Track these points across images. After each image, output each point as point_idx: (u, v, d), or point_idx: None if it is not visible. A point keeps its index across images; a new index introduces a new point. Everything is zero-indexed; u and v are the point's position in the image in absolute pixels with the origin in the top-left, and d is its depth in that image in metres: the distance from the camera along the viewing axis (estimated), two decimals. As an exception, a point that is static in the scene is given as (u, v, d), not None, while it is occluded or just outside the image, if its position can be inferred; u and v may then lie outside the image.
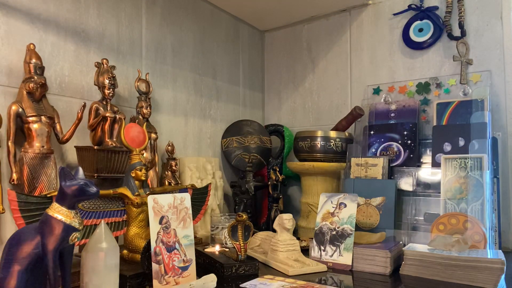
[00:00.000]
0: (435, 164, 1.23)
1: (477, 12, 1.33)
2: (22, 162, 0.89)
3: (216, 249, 1.06)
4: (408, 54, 1.47)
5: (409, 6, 1.44)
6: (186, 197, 0.88)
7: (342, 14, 1.64)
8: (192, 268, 0.85)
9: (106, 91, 1.04)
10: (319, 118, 1.71)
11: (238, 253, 0.94)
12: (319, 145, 1.41)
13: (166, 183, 1.23)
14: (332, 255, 1.04)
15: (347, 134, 1.44)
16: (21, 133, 0.92)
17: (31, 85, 0.90)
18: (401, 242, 1.11)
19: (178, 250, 0.84)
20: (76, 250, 0.81)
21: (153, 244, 0.81)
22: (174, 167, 1.24)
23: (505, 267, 0.84)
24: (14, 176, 0.88)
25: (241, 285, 0.85)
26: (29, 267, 0.65)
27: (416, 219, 1.22)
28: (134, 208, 0.94)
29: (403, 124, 1.35)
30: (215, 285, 0.83)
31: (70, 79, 1.06)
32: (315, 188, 1.41)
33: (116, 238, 0.91)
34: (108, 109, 1.05)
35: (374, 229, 1.16)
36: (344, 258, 1.01)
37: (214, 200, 1.40)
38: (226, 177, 1.60)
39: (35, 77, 0.91)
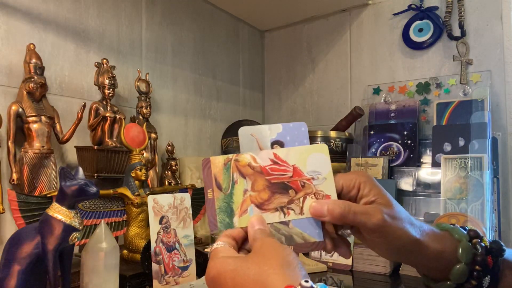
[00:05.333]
0: (435, 164, 1.23)
1: (477, 12, 1.32)
2: (22, 162, 0.89)
3: (216, 249, 1.06)
4: (408, 54, 1.47)
5: (409, 6, 1.44)
6: (186, 197, 0.88)
7: (342, 14, 1.64)
8: (192, 268, 0.85)
9: (106, 91, 1.04)
10: (319, 118, 1.71)
11: (238, 253, 0.94)
12: (319, 145, 1.41)
13: (166, 183, 1.23)
14: (332, 255, 1.04)
15: (347, 134, 1.44)
16: (21, 133, 0.92)
17: (31, 85, 0.90)
18: (401, 242, 1.11)
19: (178, 250, 0.84)
20: (76, 250, 0.81)
21: (153, 244, 0.81)
22: (174, 167, 1.24)
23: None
24: (14, 176, 0.88)
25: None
26: (29, 267, 0.65)
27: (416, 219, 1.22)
28: (134, 208, 0.94)
29: (403, 124, 1.35)
30: (215, 285, 0.83)
31: (70, 79, 1.06)
32: (315, 188, 1.41)
33: (116, 238, 0.91)
34: (108, 109, 1.05)
35: (374, 229, 1.15)
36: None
37: (214, 200, 1.39)
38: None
39: (35, 77, 0.91)
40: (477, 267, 0.44)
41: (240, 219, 0.42)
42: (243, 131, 0.43)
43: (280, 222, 0.42)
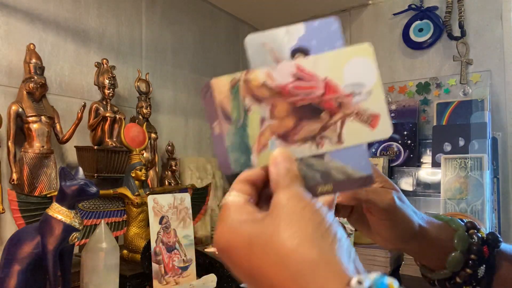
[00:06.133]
0: (435, 164, 1.23)
1: (477, 12, 1.32)
2: (22, 162, 0.89)
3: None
4: (408, 54, 1.47)
5: (409, 6, 1.44)
6: (186, 197, 0.88)
7: (342, 14, 1.64)
8: (192, 268, 0.85)
9: (106, 91, 1.04)
10: (319, 118, 1.70)
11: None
12: (319, 145, 1.41)
13: (166, 183, 1.23)
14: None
15: (347, 134, 1.44)
16: (21, 133, 0.92)
17: (31, 85, 0.90)
18: (401, 242, 1.11)
19: (178, 250, 0.84)
20: (76, 250, 0.81)
21: (153, 244, 0.81)
22: (174, 167, 1.24)
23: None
24: (14, 176, 0.88)
25: (241, 285, 0.85)
26: (29, 267, 0.65)
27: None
28: (134, 208, 0.94)
29: (403, 124, 1.35)
30: (215, 285, 0.83)
31: (70, 79, 1.06)
32: (315, 188, 1.41)
33: (116, 238, 0.91)
34: (108, 109, 1.05)
35: (374, 229, 1.15)
36: (344, 258, 1.01)
37: (214, 200, 1.40)
38: (226, 177, 1.59)
39: (35, 77, 0.91)
40: (472, 256, 0.45)
41: (260, 156, 0.32)
42: (251, 40, 0.33)
43: (313, 156, 0.31)
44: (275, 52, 0.32)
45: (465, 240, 0.46)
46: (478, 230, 0.48)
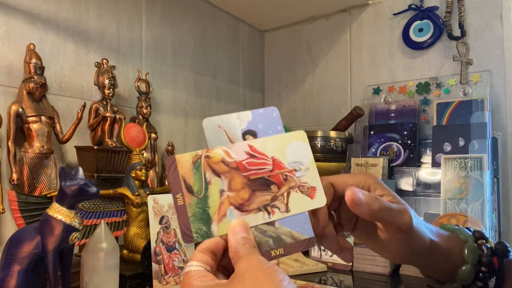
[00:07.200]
0: (435, 164, 1.23)
1: (477, 12, 1.32)
2: (22, 162, 0.89)
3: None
4: (408, 54, 1.47)
5: (409, 6, 1.44)
6: (186, 197, 0.88)
7: (342, 14, 1.64)
8: (192, 268, 0.85)
9: (106, 91, 1.04)
10: (319, 118, 1.71)
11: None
12: (319, 145, 1.41)
13: (166, 183, 1.23)
14: (332, 255, 1.04)
15: (347, 134, 1.44)
16: (21, 133, 0.92)
17: (31, 85, 0.90)
18: (401, 242, 1.11)
19: (178, 250, 0.84)
20: (76, 250, 0.81)
21: (153, 244, 0.81)
22: (174, 167, 1.24)
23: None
24: (14, 176, 0.88)
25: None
26: (29, 267, 0.65)
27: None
28: (134, 208, 0.94)
29: (403, 124, 1.35)
30: (215, 285, 0.83)
31: (70, 79, 1.06)
32: (315, 188, 1.40)
33: (116, 238, 0.91)
34: (108, 109, 1.05)
35: (374, 229, 1.15)
36: (344, 258, 1.01)
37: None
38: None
39: (35, 77, 0.91)
40: (483, 268, 0.44)
41: (219, 226, 0.36)
42: (208, 123, 0.38)
43: (266, 223, 0.37)
44: (229, 133, 0.38)
45: (475, 252, 0.45)
46: (487, 239, 0.47)
